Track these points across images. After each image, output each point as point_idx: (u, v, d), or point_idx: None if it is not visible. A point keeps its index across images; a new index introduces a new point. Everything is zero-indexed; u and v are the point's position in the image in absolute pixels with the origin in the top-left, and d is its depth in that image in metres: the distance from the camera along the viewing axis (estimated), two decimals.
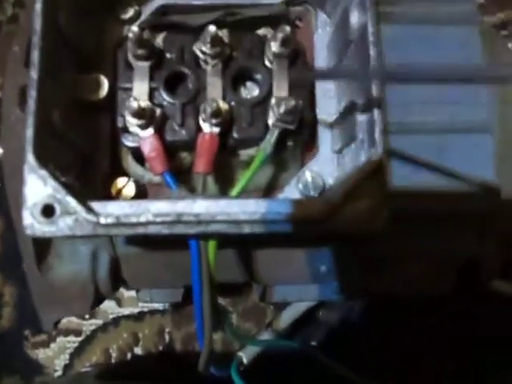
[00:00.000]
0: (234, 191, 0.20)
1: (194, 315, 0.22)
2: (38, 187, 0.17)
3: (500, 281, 0.32)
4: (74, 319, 0.41)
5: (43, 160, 0.17)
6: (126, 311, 0.41)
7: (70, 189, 0.17)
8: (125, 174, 0.22)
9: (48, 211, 0.17)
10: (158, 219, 0.16)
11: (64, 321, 0.41)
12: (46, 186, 0.17)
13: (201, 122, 0.20)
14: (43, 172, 0.16)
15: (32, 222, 0.17)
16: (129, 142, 0.21)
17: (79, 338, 0.40)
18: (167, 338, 0.40)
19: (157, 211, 0.16)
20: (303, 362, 0.33)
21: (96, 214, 0.16)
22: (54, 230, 0.17)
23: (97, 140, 0.21)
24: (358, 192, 0.17)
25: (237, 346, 0.36)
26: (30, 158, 0.16)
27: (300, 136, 0.21)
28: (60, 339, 0.40)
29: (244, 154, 0.22)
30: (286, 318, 0.34)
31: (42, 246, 0.25)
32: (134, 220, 0.16)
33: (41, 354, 0.40)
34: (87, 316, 0.41)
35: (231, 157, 0.22)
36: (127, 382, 0.28)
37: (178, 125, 0.20)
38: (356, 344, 0.37)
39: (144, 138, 0.20)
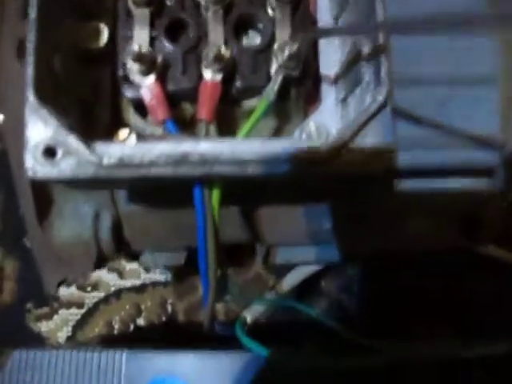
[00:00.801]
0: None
1: (199, 268, 0.22)
2: (39, 128, 0.16)
3: (495, 247, 0.32)
4: (75, 292, 0.41)
5: (44, 101, 0.16)
6: (128, 283, 0.41)
7: (72, 130, 0.16)
8: (126, 126, 0.22)
9: (49, 153, 0.16)
10: (162, 159, 0.16)
11: (66, 293, 0.41)
12: (48, 127, 0.16)
13: (203, 70, 0.20)
14: (44, 112, 0.16)
15: (33, 164, 0.16)
16: (130, 92, 0.21)
17: (81, 311, 0.40)
18: (170, 309, 0.40)
19: (161, 152, 0.16)
20: (307, 324, 0.33)
21: (99, 155, 0.16)
22: (55, 172, 0.16)
23: (97, 91, 0.21)
24: (363, 132, 0.17)
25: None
26: (31, 96, 0.16)
27: (303, 85, 0.21)
28: (62, 312, 0.40)
29: (246, 104, 0.22)
30: (288, 283, 0.34)
31: (44, 204, 0.25)
32: (137, 161, 0.16)
33: (43, 327, 0.40)
34: (89, 288, 0.41)
35: (233, 108, 0.22)
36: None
37: (179, 73, 0.20)
38: (357, 313, 0.38)
39: (145, 85, 0.20)
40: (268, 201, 0.25)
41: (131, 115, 0.22)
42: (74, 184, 0.18)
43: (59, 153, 0.16)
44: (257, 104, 0.21)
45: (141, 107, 0.22)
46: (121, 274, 0.41)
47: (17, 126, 0.23)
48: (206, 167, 0.17)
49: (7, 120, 0.24)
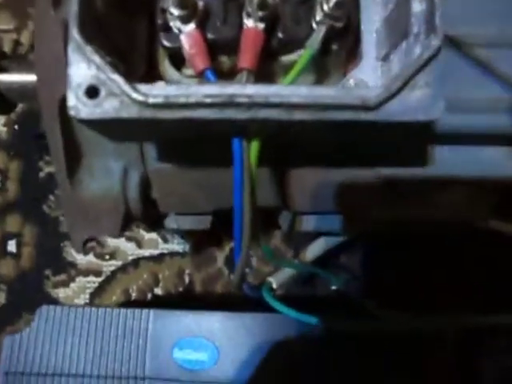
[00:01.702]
0: None
1: (233, 224, 0.21)
2: (82, 67, 0.16)
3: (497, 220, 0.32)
4: (93, 260, 0.41)
5: (87, 40, 0.16)
6: (146, 253, 0.41)
7: (115, 69, 0.16)
8: (161, 79, 0.22)
9: (93, 92, 0.16)
10: (208, 100, 0.16)
11: (83, 261, 0.41)
12: (91, 66, 0.16)
13: (245, 19, 0.20)
14: (88, 49, 0.16)
15: (76, 104, 0.16)
16: (168, 41, 0.20)
17: (99, 279, 0.40)
18: (187, 279, 0.40)
19: (207, 92, 0.16)
20: (328, 296, 0.33)
21: (143, 95, 0.16)
22: (98, 112, 0.16)
23: (134, 41, 0.21)
24: (414, 80, 0.16)
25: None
26: (75, 34, 0.16)
27: (345, 40, 0.21)
28: (79, 279, 0.40)
29: (286, 59, 0.21)
30: (310, 255, 0.34)
31: (74, 160, 0.25)
32: (182, 100, 0.16)
33: (61, 294, 0.40)
34: (107, 257, 0.41)
35: (272, 62, 0.21)
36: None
37: (220, 22, 0.20)
38: (375, 287, 0.38)
39: (185, 32, 0.19)
40: (301, 163, 0.24)
41: (167, 67, 0.22)
42: (116, 127, 0.17)
43: (102, 92, 0.16)
44: (296, 58, 0.21)
45: (177, 59, 0.22)
46: (139, 244, 0.41)
47: (51, 80, 0.23)
48: (253, 111, 0.16)
49: (40, 78, 0.24)
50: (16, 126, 0.43)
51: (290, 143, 0.22)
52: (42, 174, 0.42)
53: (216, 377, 0.23)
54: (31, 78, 0.25)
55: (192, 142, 0.23)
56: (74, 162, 0.24)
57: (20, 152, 0.42)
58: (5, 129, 0.43)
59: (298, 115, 0.16)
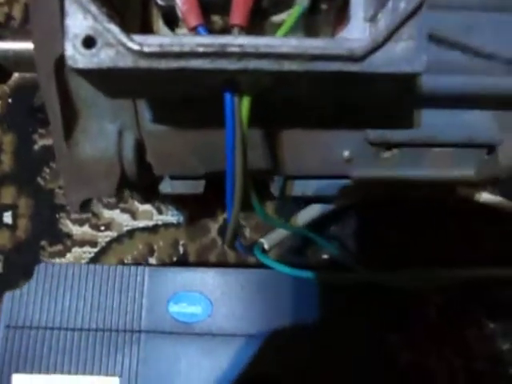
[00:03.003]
0: None
1: (225, 180, 0.22)
2: (78, 18, 0.17)
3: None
4: (88, 230, 0.41)
5: None
6: (141, 224, 0.41)
7: (111, 19, 0.16)
8: None
9: (89, 42, 0.17)
10: (201, 49, 0.16)
11: (79, 232, 0.41)
12: (87, 17, 0.17)
13: None
14: (85, 0, 0.16)
15: (73, 54, 0.17)
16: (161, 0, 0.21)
17: (94, 249, 0.41)
18: (181, 249, 0.41)
19: (200, 42, 0.16)
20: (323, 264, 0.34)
21: (139, 44, 0.16)
22: (95, 62, 0.17)
23: (128, 0, 0.21)
24: (398, 33, 0.17)
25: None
26: None
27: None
28: (75, 250, 0.41)
29: (276, 19, 0.22)
30: (301, 220, 0.35)
31: (70, 121, 0.25)
32: (176, 49, 0.16)
33: None
34: (102, 228, 0.41)
35: (263, 21, 0.22)
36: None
37: None
38: (366, 257, 0.39)
39: None
40: (292, 123, 0.25)
41: (160, 27, 0.22)
42: (112, 79, 0.18)
43: (99, 42, 0.17)
44: (286, 18, 0.22)
45: (170, 18, 0.22)
46: (134, 215, 0.42)
47: (47, 41, 0.23)
48: (244, 61, 0.17)
49: (36, 39, 0.24)
50: (10, 100, 0.43)
51: (281, 102, 0.23)
52: (36, 147, 0.42)
53: (209, 329, 0.24)
54: (26, 45, 0.25)
55: (186, 103, 0.23)
56: (70, 124, 0.24)
57: (14, 125, 0.43)
58: None
59: (288, 66, 0.17)
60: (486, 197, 0.34)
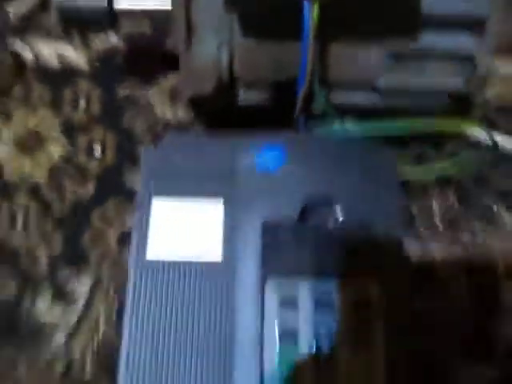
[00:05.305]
0: None
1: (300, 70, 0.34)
2: None
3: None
4: None
5: None
6: None
7: None
8: None
9: None
10: None
11: None
12: None
13: None
14: None
15: None
16: None
17: None
18: None
19: None
20: None
21: None
22: None
23: None
24: None
25: None
26: None
27: None
28: None
29: None
30: None
31: (190, 34, 0.37)
32: None
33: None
34: None
35: None
36: None
37: None
38: None
39: None
40: (338, 39, 0.37)
41: None
42: None
43: None
44: None
45: None
46: None
47: None
48: None
49: None
50: (97, 63, 0.55)
51: (332, 21, 0.34)
52: (118, 97, 0.53)
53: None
54: None
55: (269, 19, 0.35)
56: (189, 37, 0.36)
57: (100, 81, 0.53)
58: (86, 64, 0.54)
59: None
60: None
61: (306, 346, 0.32)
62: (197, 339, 0.32)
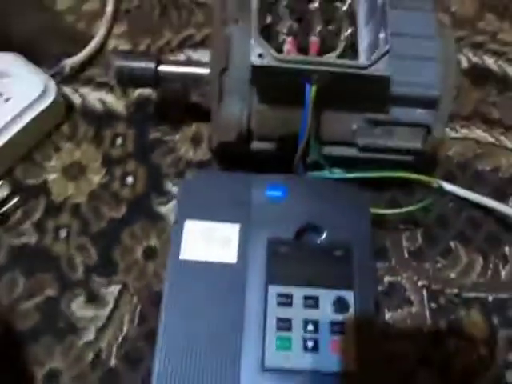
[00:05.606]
0: None
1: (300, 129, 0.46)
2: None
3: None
4: None
5: None
6: None
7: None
8: None
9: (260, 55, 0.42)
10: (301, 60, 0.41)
11: (175, 190, 0.59)
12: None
13: None
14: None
15: (255, 60, 0.42)
16: None
17: None
18: None
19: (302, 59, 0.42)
20: None
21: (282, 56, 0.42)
22: (264, 62, 0.42)
23: None
24: (380, 60, 0.43)
25: None
26: None
27: None
28: (174, 201, 0.54)
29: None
30: None
31: (220, 98, 0.49)
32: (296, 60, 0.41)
33: (163, 209, 0.55)
34: None
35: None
36: None
37: None
38: None
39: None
40: (328, 108, 0.49)
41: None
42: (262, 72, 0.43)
43: (265, 56, 0.42)
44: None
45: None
46: None
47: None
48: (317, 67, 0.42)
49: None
50: (131, 109, 0.65)
51: (325, 95, 0.47)
52: (149, 138, 0.58)
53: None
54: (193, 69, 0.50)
55: (279, 91, 0.48)
56: (220, 98, 0.47)
57: (135, 124, 0.58)
58: (124, 110, 0.60)
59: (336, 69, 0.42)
60: None
61: (297, 332, 0.43)
62: (214, 323, 0.42)
